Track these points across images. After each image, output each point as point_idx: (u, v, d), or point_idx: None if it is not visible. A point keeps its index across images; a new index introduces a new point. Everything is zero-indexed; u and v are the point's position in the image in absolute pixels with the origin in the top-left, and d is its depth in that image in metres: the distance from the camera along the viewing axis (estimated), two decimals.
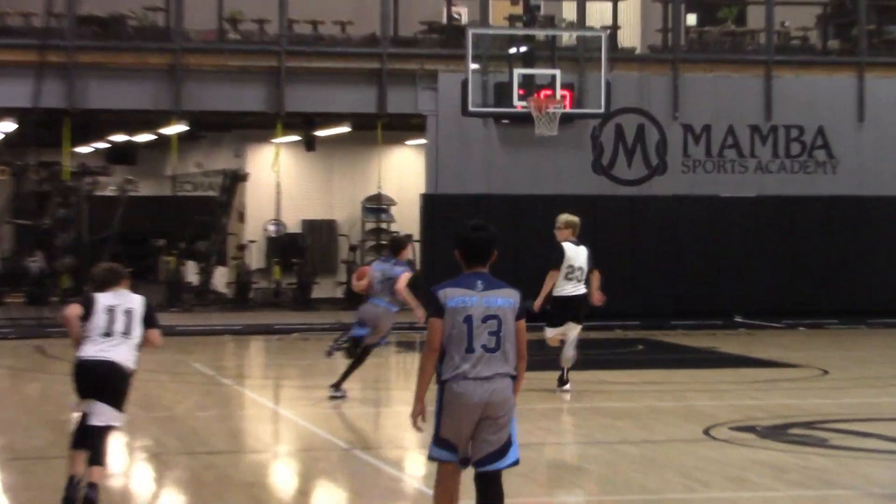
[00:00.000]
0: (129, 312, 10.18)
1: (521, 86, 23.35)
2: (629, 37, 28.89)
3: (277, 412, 16.07)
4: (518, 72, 23.40)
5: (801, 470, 11.85)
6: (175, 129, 28.19)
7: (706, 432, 13.73)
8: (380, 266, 15.88)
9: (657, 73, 26.79)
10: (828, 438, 13.65)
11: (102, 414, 10.06)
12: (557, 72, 23.54)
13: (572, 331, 16.21)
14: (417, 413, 8.28)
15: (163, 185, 36.74)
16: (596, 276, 16.37)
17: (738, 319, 25.96)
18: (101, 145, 34.13)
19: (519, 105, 23.23)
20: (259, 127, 29.92)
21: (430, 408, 8.27)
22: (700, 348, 20.28)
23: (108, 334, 10.10)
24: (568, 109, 23.53)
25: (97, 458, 9.98)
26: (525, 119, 23.51)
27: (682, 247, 26.24)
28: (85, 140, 33.10)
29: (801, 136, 27.14)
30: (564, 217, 16.41)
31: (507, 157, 26.20)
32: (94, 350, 10.08)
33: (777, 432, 13.91)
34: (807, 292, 24.37)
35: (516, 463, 8.37)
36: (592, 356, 20.08)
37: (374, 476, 11.69)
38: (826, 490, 11.23)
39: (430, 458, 8.34)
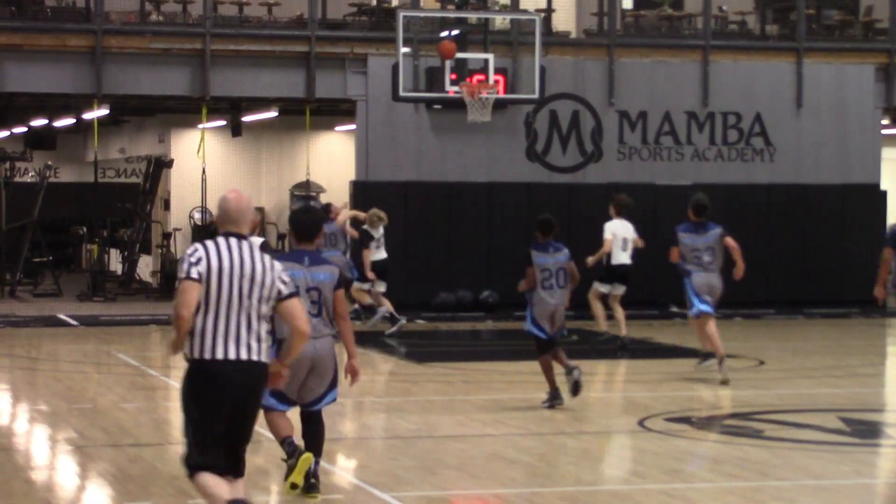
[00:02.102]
0: None
1: (453, 70, 23.00)
2: (564, 21, 28.67)
3: None
4: None
5: (737, 461, 11.95)
6: (96, 113, 27.99)
7: (641, 423, 13.84)
8: None
9: (592, 58, 26.64)
10: (763, 430, 13.78)
11: None
12: (490, 56, 23.26)
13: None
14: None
15: (84, 171, 36.56)
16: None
17: (674, 309, 25.75)
18: (20, 130, 33.81)
19: (451, 90, 22.89)
20: (183, 112, 29.70)
21: None
22: (635, 339, 20.29)
23: None
24: (501, 95, 23.25)
25: None
26: (457, 105, 23.22)
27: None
28: (3, 125, 32.80)
29: (738, 123, 27.08)
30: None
31: (439, 144, 26.00)
32: None
33: (713, 423, 14.20)
34: (743, 282, 24.07)
35: (334, 401, 10.44)
36: (527, 347, 20.03)
37: None
38: (762, 481, 11.30)
39: (263, 406, 9.23)
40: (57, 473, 11.80)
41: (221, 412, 8.16)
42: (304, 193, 30.27)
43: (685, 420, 14.07)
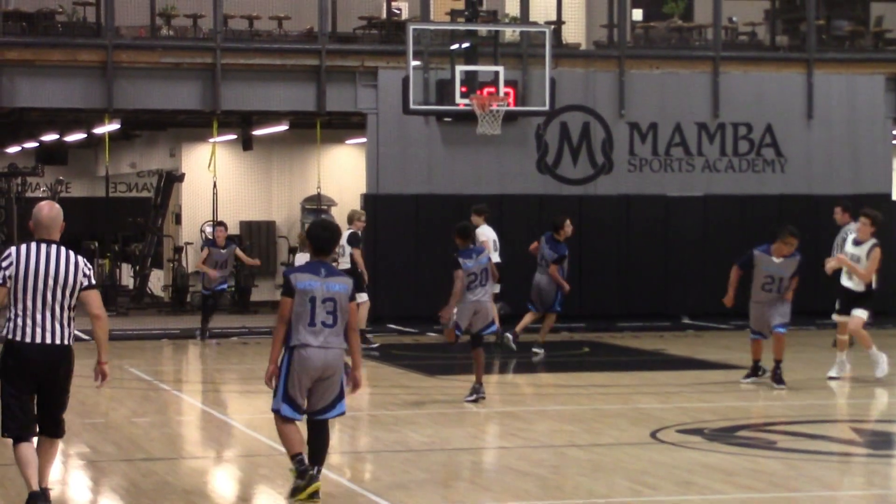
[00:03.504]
0: None
1: (463, 83, 23.14)
2: (574, 32, 28.85)
3: (216, 417, 15.97)
4: (460, 69, 23.16)
5: (750, 472, 11.95)
6: (107, 128, 28.10)
7: (654, 435, 13.85)
8: None
9: (602, 70, 26.75)
10: (776, 441, 13.85)
11: None
12: (500, 69, 23.38)
13: None
14: (271, 374, 10.63)
15: (96, 185, 36.76)
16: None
17: (686, 321, 25.97)
18: (31, 145, 34.01)
19: (461, 103, 23.04)
20: (194, 126, 29.85)
21: None
22: (647, 350, 20.50)
23: None
24: (511, 107, 23.39)
25: None
26: (467, 117, 23.41)
27: (629, 248, 26.28)
28: (14, 140, 33.05)
29: (749, 134, 27.16)
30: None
31: (449, 156, 26.11)
32: None
33: (725, 435, 14.10)
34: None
35: (342, 414, 10.81)
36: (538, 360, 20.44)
37: None
38: (774, 493, 11.32)
39: (274, 410, 10.67)
40: (69, 488, 11.77)
41: (28, 385, 10.01)
42: (316, 207, 30.36)
43: (697, 432, 14.09)
